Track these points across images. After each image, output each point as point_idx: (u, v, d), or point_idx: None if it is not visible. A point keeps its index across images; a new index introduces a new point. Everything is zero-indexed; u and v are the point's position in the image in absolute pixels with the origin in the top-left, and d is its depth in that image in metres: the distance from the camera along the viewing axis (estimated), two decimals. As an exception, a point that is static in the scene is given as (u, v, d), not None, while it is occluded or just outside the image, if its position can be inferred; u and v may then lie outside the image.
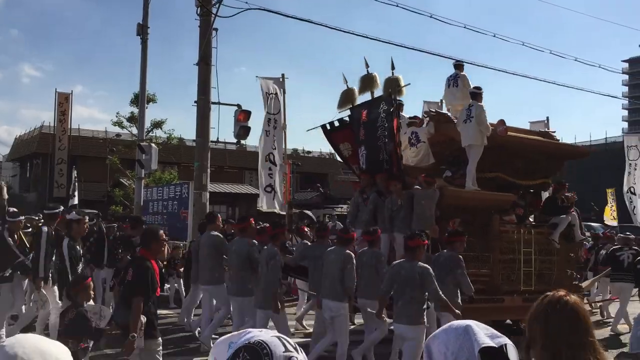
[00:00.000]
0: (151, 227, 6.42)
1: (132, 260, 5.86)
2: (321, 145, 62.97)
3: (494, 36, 16.05)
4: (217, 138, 14.19)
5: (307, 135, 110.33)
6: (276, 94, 13.28)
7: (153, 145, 15.69)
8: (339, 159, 47.80)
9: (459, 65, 10.55)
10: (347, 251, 7.17)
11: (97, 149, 33.36)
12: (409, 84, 9.88)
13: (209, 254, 8.31)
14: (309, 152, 43.42)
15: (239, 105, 13.33)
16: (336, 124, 10.77)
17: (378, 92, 10.13)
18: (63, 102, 33.99)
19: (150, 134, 25.93)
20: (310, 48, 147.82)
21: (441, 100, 12.06)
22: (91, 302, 5.88)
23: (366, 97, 10.40)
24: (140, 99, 17.04)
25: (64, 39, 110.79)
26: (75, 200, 18.08)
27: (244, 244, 7.65)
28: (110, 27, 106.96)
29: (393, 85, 9.60)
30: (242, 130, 13.11)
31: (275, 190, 13.17)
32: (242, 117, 13.03)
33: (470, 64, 15.46)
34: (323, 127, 10.89)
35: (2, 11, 72.85)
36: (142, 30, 16.11)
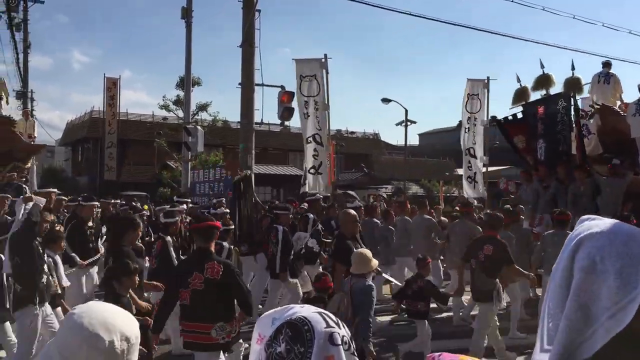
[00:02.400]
0: (496, 213, 7.65)
1: (488, 238, 6.79)
2: (365, 126, 62.70)
3: (543, 9, 15.49)
4: (262, 120, 14.26)
5: (350, 116, 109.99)
6: (315, 75, 13.20)
7: (199, 127, 15.92)
8: (380, 141, 47.09)
9: (608, 64, 11.34)
10: (568, 231, 7.61)
11: (144, 132, 33.99)
12: (589, 83, 11.03)
13: (424, 235, 9.78)
14: (352, 133, 43.23)
15: (282, 87, 13.36)
16: (510, 118, 11.95)
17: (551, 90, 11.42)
18: (112, 87, 34.79)
19: (196, 116, 26.31)
20: (351, 29, 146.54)
21: (488, 78, 13.77)
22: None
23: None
24: (186, 82, 17.28)
25: (111, 24, 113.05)
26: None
27: (468, 225, 9.03)
28: (155, 11, 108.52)
29: (574, 85, 10.85)
30: (286, 112, 13.13)
31: (321, 171, 13.18)
32: (286, 98, 13.05)
33: (518, 38, 15.03)
34: (498, 121, 12.18)
35: (52, -1, 74.66)
36: (187, 14, 16.28)
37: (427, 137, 62.22)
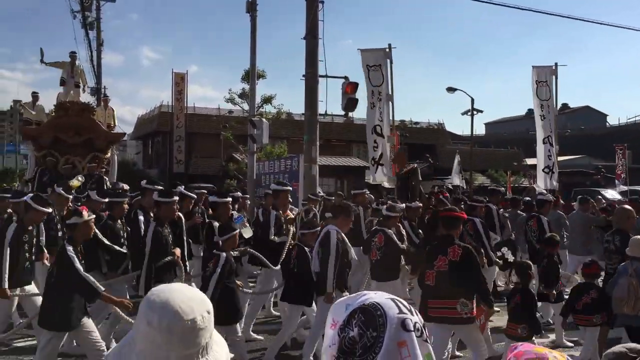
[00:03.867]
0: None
1: None
2: (429, 116, 61.75)
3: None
4: (326, 111, 14.30)
5: (414, 106, 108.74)
6: (380, 65, 13.08)
7: (264, 120, 16.11)
8: (445, 131, 46.28)
9: None
10: None
11: (211, 125, 34.74)
12: None
13: (582, 231, 9.98)
14: (416, 123, 42.69)
15: (346, 78, 13.33)
16: None
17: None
18: (179, 82, 35.76)
19: (261, 109, 26.65)
20: (416, 19, 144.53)
21: (555, 64, 13.32)
22: None
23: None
24: (251, 76, 17.52)
25: (179, 21, 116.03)
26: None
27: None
28: (221, 6, 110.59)
29: None
30: (350, 102, 13.11)
31: (382, 162, 13.09)
32: (350, 89, 13.03)
33: (600, 23, 14.44)
34: None
35: (123, -2, 77.41)
36: (251, 7, 16.46)
37: (494, 127, 60.75)
